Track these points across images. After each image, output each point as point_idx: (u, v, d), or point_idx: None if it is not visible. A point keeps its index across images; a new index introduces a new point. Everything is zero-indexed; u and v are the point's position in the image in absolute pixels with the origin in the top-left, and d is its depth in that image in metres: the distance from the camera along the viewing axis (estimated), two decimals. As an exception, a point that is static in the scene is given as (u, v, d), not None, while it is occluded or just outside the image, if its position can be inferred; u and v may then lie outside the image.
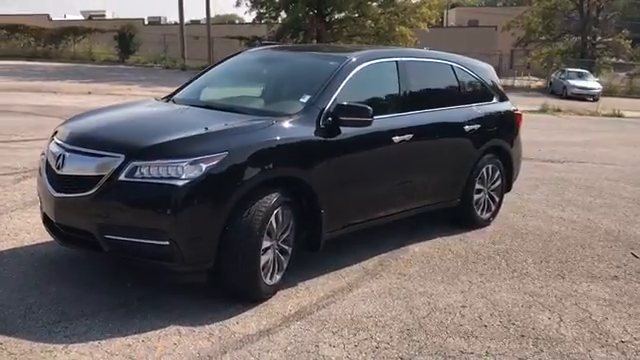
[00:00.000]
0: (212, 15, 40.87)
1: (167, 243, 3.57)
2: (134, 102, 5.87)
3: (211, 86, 5.18)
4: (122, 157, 3.64)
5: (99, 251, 3.78)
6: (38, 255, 4.66)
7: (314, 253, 4.42)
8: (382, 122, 4.72)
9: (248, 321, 3.71)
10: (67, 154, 3.86)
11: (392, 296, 4.21)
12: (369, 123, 4.35)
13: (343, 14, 33.15)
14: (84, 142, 3.88)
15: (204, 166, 3.60)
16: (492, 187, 6.01)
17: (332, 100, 4.37)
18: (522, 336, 3.70)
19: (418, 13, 33.19)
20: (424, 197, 5.34)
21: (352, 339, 3.56)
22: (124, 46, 35.25)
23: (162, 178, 3.58)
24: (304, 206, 4.25)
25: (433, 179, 5.32)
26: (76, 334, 3.45)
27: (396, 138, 4.79)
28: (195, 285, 3.93)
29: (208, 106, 4.62)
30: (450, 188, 5.55)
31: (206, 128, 3.90)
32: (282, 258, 4.14)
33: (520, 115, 6.42)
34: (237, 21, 35.31)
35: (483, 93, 5.99)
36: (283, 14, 33.31)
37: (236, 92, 5.10)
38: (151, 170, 3.59)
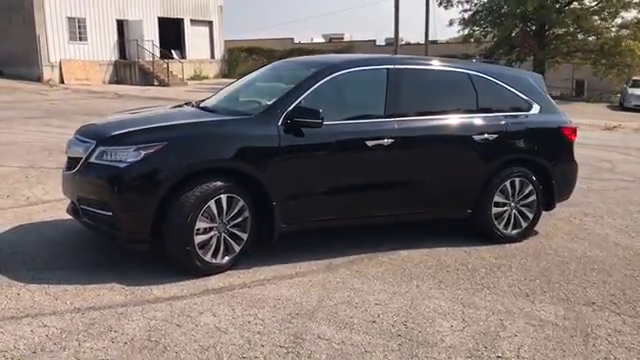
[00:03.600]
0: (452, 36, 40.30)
1: (111, 214, 4.37)
2: (165, 106, 6.84)
3: (227, 92, 5.87)
4: (94, 143, 4.55)
5: (80, 219, 4.73)
6: (86, 224, 5.80)
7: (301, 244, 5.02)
8: (354, 126, 4.99)
9: (173, 289, 4.33)
10: (71, 140, 4.90)
11: (322, 287, 4.47)
12: (319, 125, 4.67)
13: (561, 30, 31.19)
14: (81, 132, 4.90)
15: (143, 152, 4.33)
16: (522, 202, 5.71)
17: (295, 103, 4.77)
18: (398, 335, 3.73)
19: (656, 26, 29.87)
20: (414, 204, 5.36)
21: (237, 313, 3.96)
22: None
23: (114, 161, 4.40)
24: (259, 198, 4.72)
25: (424, 186, 5.32)
26: (40, 278, 4.42)
27: (370, 142, 4.97)
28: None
29: (205, 108, 5.35)
30: (451, 197, 5.47)
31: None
32: (232, 242, 4.66)
33: (571, 129, 5.96)
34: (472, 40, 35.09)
35: (514, 103, 5.74)
36: (496, 32, 32.55)
37: (238, 97, 5.71)
38: (110, 154, 4.44)
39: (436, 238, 5.69)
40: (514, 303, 4.32)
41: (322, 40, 65.59)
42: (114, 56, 30.54)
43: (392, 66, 5.27)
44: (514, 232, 5.71)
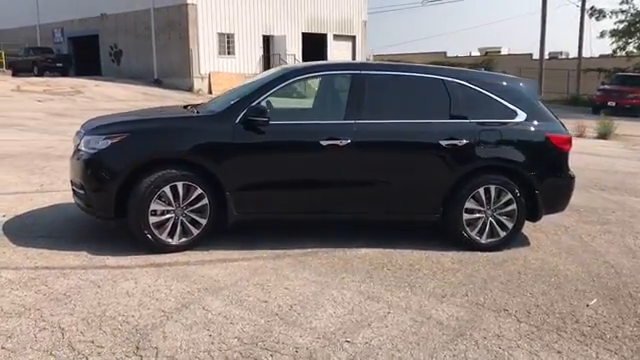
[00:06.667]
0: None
1: (83, 192, 5.18)
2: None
3: (226, 94, 6.44)
4: (84, 133, 5.41)
5: (74, 199, 5.60)
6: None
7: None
8: (307, 126, 5.36)
9: (126, 260, 4.99)
10: (78, 131, 5.81)
11: (251, 271, 4.87)
12: (266, 123, 5.11)
13: None
14: (83, 125, 5.78)
15: (109, 141, 5.09)
16: (500, 211, 5.63)
17: (253, 104, 5.25)
18: (274, 314, 4.05)
19: None
20: (376, 204, 5.53)
21: (157, 283, 4.52)
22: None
23: (90, 148, 5.20)
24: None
25: (386, 188, 5.47)
26: (33, 243, 5.32)
27: (325, 142, 5.28)
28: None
29: (189, 108, 6.02)
30: (416, 200, 5.56)
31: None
32: (190, 226, 5.23)
33: (562, 139, 5.73)
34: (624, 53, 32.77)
35: (494, 111, 5.65)
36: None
37: (229, 98, 6.23)
38: (90, 142, 5.25)
39: (412, 241, 5.76)
40: (420, 301, 4.40)
41: (478, 54, 64.16)
42: (259, 69, 32.67)
43: (358, 72, 5.53)
44: (488, 241, 5.63)
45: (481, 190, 5.55)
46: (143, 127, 5.32)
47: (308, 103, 6.57)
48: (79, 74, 33.41)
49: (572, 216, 7.24)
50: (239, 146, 5.20)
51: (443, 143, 5.46)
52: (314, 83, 6.35)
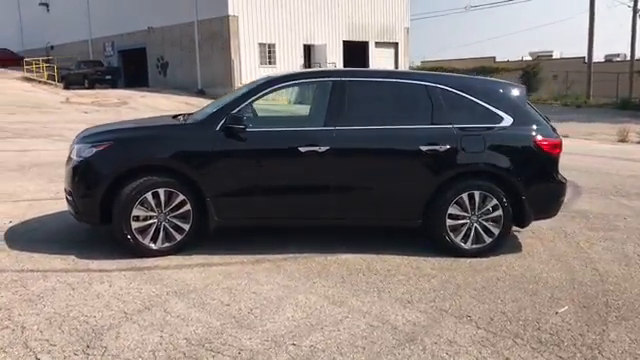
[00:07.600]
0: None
1: (72, 199, 5.41)
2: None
3: (213, 102, 6.59)
4: (75, 142, 5.65)
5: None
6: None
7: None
8: (287, 133, 5.45)
9: (109, 264, 5.17)
10: (74, 141, 6.07)
11: (225, 275, 4.96)
12: (243, 130, 5.22)
13: None
14: (77, 135, 6.03)
15: (94, 150, 5.30)
16: (486, 217, 5.56)
17: (236, 110, 5.38)
18: (232, 317, 4.13)
19: None
20: (357, 210, 5.55)
21: (130, 286, 4.67)
22: (526, 83, 36.04)
23: (78, 156, 5.43)
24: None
25: (366, 194, 5.48)
26: (29, 247, 5.54)
27: (303, 149, 5.35)
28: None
29: (182, 117, 6.18)
30: (397, 206, 5.55)
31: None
32: (173, 232, 5.38)
33: (550, 143, 5.61)
34: None
35: (478, 115, 5.60)
36: None
37: (213, 106, 6.36)
38: (78, 150, 5.48)
39: (398, 246, 5.74)
40: (382, 307, 4.40)
41: (529, 58, 62.83)
42: (300, 78, 32.99)
43: (338, 79, 5.58)
44: (473, 247, 5.56)
45: (464, 196, 5.49)
46: (127, 135, 5.52)
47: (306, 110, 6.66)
48: (128, 86, 34.58)
49: (578, 222, 7.09)
50: (219, 153, 5.32)
51: (423, 149, 5.44)
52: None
